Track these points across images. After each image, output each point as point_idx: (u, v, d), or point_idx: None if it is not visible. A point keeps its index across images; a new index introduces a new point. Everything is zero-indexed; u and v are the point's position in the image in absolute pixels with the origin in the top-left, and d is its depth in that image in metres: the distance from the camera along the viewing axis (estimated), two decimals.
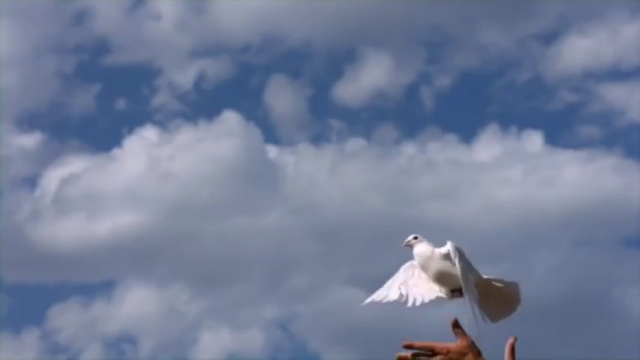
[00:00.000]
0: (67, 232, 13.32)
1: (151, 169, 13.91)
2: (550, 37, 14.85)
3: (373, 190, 13.67)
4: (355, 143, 14.45)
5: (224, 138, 14.22)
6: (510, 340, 2.51)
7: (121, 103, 14.77)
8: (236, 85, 14.94)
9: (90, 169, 14.03)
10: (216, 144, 14.22)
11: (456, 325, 2.52)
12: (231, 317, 13.13)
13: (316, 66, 14.92)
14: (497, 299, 3.47)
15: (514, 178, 13.58)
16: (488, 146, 13.98)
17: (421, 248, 3.48)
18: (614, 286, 12.85)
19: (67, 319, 12.93)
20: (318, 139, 14.70)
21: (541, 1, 14.46)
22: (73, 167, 13.88)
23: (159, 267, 13.66)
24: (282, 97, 14.64)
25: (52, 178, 13.82)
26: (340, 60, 14.92)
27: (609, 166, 13.83)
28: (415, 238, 3.50)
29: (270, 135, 14.53)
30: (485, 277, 3.44)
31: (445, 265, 3.39)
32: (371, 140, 14.54)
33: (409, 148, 14.28)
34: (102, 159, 14.30)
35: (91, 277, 13.55)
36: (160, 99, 14.62)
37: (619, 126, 14.32)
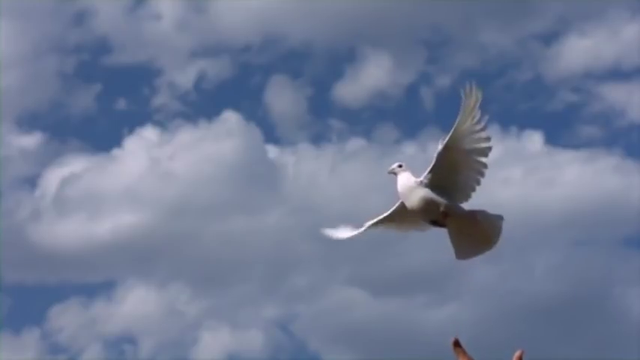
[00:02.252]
0: (67, 232, 13.32)
1: (151, 169, 13.92)
2: (550, 37, 14.86)
3: (373, 190, 13.65)
4: (355, 143, 14.45)
5: (224, 138, 14.23)
6: (517, 353, 2.47)
7: (121, 103, 14.77)
8: (236, 85, 14.94)
9: (90, 169, 14.04)
10: (216, 144, 14.22)
11: (457, 344, 2.47)
12: (231, 317, 13.12)
13: (316, 66, 14.93)
14: (474, 234, 3.53)
15: (514, 178, 13.58)
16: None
17: (404, 178, 3.54)
18: (614, 286, 12.85)
19: (67, 319, 12.93)
20: (318, 139, 14.70)
21: (541, 1, 14.46)
22: (73, 167, 13.88)
23: (159, 267, 13.66)
24: (282, 97, 14.64)
25: (52, 178, 13.82)
26: (340, 60, 14.93)
27: (609, 166, 13.83)
28: (400, 166, 3.56)
29: (270, 135, 14.54)
30: (467, 209, 3.50)
31: (426, 193, 3.45)
32: (371, 140, 14.53)
33: (409, 148, 14.25)
34: (102, 159, 14.30)
35: (91, 277, 13.55)
36: (160, 99, 14.63)
37: (619, 126, 14.33)
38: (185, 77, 14.59)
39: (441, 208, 3.45)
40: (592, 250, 13.32)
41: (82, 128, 14.69)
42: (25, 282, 13.31)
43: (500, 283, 12.50)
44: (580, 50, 14.33)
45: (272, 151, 14.35)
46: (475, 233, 3.56)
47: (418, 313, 12.50)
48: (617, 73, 14.48)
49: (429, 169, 3.48)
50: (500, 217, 3.62)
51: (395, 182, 3.51)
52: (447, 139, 3.41)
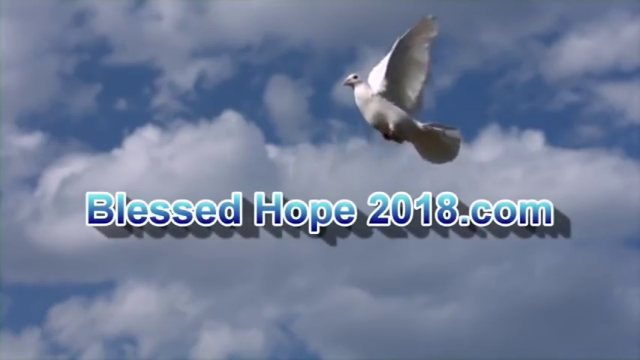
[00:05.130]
0: (67, 232, 13.30)
1: (152, 170, 13.91)
2: (550, 37, 14.85)
3: (373, 190, 13.62)
4: (355, 143, 14.45)
5: (224, 138, 14.22)
6: None
7: (121, 103, 14.77)
8: (236, 85, 14.94)
9: (90, 169, 14.02)
10: (216, 144, 14.22)
11: None
12: (231, 317, 13.12)
13: (316, 66, 14.93)
14: (437, 146, 3.67)
15: (514, 178, 13.56)
16: (489, 146, 13.98)
17: (361, 90, 3.66)
18: (614, 286, 12.85)
19: (67, 319, 12.93)
20: (318, 139, 14.69)
21: (541, 1, 14.46)
22: (74, 167, 13.85)
23: (159, 267, 13.64)
24: (283, 97, 14.64)
25: (53, 178, 13.80)
26: (340, 60, 14.92)
27: (609, 166, 13.83)
28: (355, 77, 3.67)
29: (271, 135, 14.53)
30: (422, 125, 3.61)
31: (383, 106, 3.57)
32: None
33: (409, 148, 14.24)
34: (102, 159, 14.28)
35: (91, 277, 13.53)
36: (160, 99, 14.63)
37: (619, 126, 14.33)
38: (185, 77, 14.61)
39: (391, 126, 3.59)
40: (592, 250, 13.32)
41: (82, 128, 14.69)
42: (25, 282, 13.31)
43: (500, 283, 12.50)
44: (580, 50, 14.35)
45: (272, 151, 14.35)
46: (435, 146, 3.71)
47: (418, 313, 12.50)
48: (617, 73, 14.50)
49: (383, 74, 3.60)
50: (454, 128, 3.78)
51: (352, 93, 3.62)
52: (402, 36, 3.64)
